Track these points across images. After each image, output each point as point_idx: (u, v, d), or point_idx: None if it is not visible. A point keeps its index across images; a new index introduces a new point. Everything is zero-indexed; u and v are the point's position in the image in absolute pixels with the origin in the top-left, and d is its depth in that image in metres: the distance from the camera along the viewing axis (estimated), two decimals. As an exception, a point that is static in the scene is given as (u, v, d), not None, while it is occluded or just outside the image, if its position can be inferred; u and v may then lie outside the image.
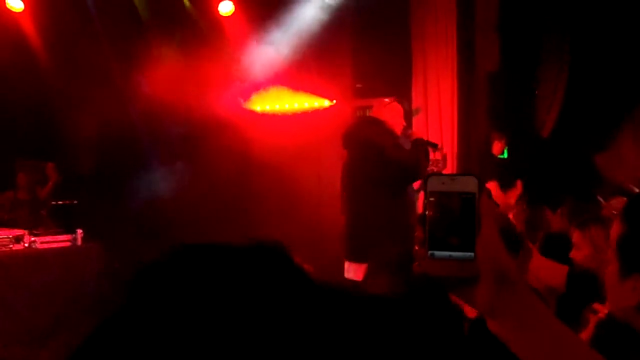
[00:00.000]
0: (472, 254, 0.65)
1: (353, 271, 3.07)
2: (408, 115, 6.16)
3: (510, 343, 0.64)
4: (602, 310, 1.60)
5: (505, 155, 5.85)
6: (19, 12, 5.94)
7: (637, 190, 4.31)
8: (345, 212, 3.39)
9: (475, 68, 6.12)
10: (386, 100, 3.64)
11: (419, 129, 6.17)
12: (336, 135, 6.10)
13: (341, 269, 3.33)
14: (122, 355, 0.37)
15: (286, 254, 0.42)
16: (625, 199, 2.66)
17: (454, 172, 5.87)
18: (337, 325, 0.40)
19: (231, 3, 6.00)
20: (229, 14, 6.03)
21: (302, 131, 5.90)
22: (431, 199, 0.66)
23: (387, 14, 5.99)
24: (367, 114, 3.56)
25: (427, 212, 0.66)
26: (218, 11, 6.04)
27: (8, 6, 5.83)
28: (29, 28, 6.13)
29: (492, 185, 4.97)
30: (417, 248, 0.67)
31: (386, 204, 3.15)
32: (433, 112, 6.07)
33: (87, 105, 5.86)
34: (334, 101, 6.17)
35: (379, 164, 3.14)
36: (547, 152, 5.82)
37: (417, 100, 6.16)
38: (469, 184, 0.65)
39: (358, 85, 6.19)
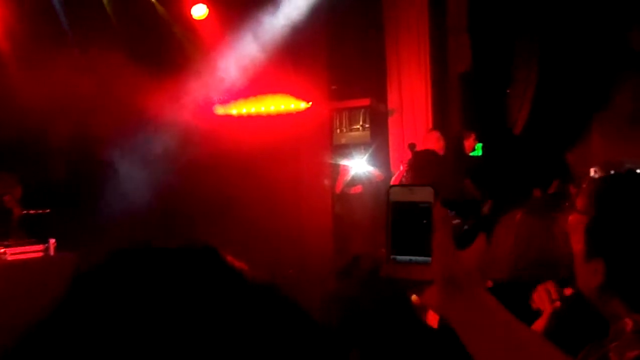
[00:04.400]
0: (430, 258, 0.70)
1: None
2: (384, 116, 6.25)
3: (465, 343, 0.67)
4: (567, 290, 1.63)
5: (480, 152, 5.95)
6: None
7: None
8: None
9: (448, 69, 6.23)
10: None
11: (394, 130, 6.25)
12: (313, 137, 6.12)
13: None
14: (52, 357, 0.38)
15: (216, 253, 0.45)
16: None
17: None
18: (263, 318, 0.42)
19: (205, 6, 5.94)
20: (203, 17, 5.98)
21: (278, 134, 5.88)
22: (393, 207, 0.73)
23: (361, 17, 6.04)
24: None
25: (389, 220, 0.72)
26: (191, 15, 5.98)
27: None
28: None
29: (466, 182, 5.05)
30: (383, 251, 0.72)
31: None
32: (408, 112, 6.14)
33: (57, 113, 5.71)
34: (310, 103, 6.18)
35: None
36: (519, 149, 5.95)
37: (392, 102, 6.22)
38: (426, 194, 0.71)
39: (333, 87, 6.21)
